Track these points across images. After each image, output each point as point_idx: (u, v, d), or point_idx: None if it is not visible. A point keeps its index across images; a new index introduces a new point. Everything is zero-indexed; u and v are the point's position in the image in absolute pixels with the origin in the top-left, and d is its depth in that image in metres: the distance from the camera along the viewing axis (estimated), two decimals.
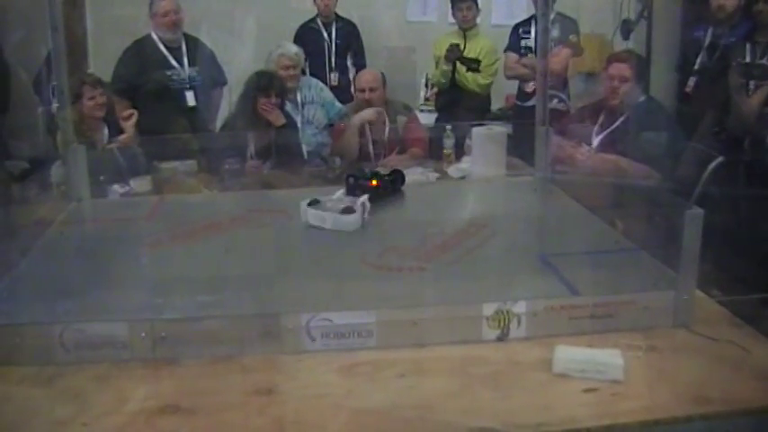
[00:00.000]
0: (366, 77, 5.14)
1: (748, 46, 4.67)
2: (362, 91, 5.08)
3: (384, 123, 5.11)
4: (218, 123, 5.39)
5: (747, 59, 4.62)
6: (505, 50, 6.13)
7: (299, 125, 5.21)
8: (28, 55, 4.66)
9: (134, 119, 4.73)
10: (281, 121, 4.81)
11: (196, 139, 4.87)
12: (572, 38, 5.87)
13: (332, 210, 3.15)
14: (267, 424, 1.94)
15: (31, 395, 2.07)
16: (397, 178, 3.67)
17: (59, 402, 2.02)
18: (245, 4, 5.80)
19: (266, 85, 4.80)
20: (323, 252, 2.96)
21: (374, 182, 3.50)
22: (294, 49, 5.45)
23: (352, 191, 3.45)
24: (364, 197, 3.19)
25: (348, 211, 3.13)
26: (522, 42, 6.03)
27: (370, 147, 5.07)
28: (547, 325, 2.32)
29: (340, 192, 3.34)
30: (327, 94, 5.56)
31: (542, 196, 3.71)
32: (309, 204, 3.17)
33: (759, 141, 4.30)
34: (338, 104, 5.51)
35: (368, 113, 5.07)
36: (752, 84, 4.48)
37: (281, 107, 4.88)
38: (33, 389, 2.10)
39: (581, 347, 2.18)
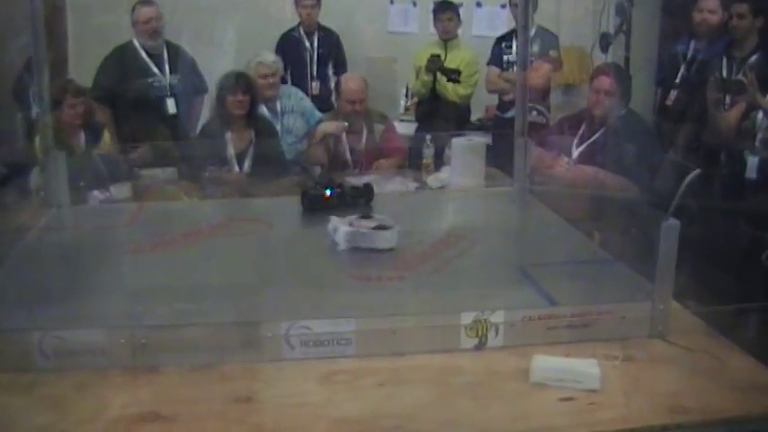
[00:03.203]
0: (352, 87, 5.11)
1: (725, 60, 4.71)
2: (351, 102, 5.07)
3: (361, 134, 5.11)
4: (198, 130, 5.38)
5: (724, 74, 4.66)
6: (488, 64, 6.15)
7: (278, 133, 5.22)
8: (7, 60, 4.64)
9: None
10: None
11: (177, 147, 4.87)
12: (552, 53, 5.90)
13: (365, 227, 3.04)
14: None
15: (10, 402, 2.06)
16: (363, 192, 3.64)
17: (39, 410, 2.02)
18: (226, 13, 5.80)
19: (233, 83, 4.79)
20: (303, 261, 2.96)
21: (327, 193, 3.51)
22: (272, 57, 5.44)
23: (302, 200, 3.48)
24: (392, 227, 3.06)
25: (383, 227, 3.04)
26: (504, 57, 6.05)
27: (348, 155, 5.08)
28: (524, 334, 2.33)
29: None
30: (307, 104, 5.56)
31: (521, 207, 3.74)
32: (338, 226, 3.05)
33: (735, 155, 4.34)
34: (318, 113, 5.51)
35: (330, 126, 5.08)
36: (728, 98, 4.52)
37: (253, 107, 4.87)
38: (12, 396, 2.09)
39: (558, 357, 2.20)
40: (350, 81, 5.18)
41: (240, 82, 4.80)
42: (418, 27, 7.10)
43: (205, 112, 5.45)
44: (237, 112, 4.73)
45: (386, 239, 2.98)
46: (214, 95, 5.06)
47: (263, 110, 5.18)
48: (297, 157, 5.26)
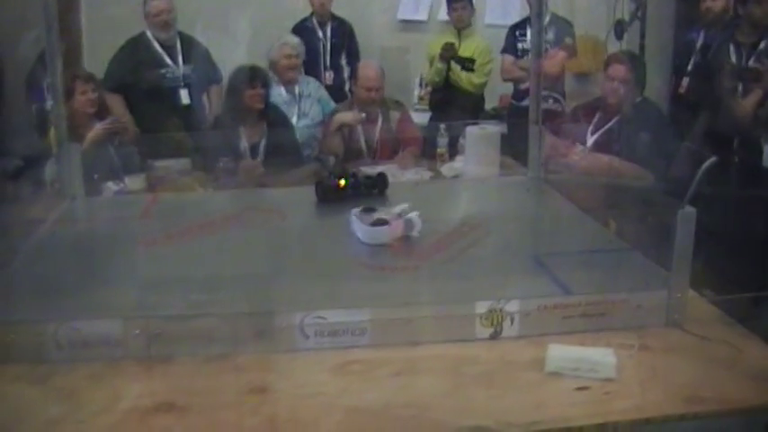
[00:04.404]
0: (369, 75, 5.11)
1: (732, 47, 4.68)
2: (368, 90, 5.07)
3: (376, 122, 5.11)
4: (211, 118, 5.40)
5: (733, 61, 4.64)
6: (502, 52, 6.14)
7: (294, 118, 5.26)
8: (21, 52, 4.66)
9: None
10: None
11: (191, 138, 4.87)
12: (567, 40, 5.88)
13: (365, 221, 2.99)
14: (261, 422, 1.94)
15: (24, 393, 2.07)
16: (377, 182, 3.61)
17: (53, 401, 2.02)
18: (239, 3, 5.80)
19: (251, 76, 4.79)
20: (317, 251, 2.96)
21: (341, 183, 3.49)
22: (296, 39, 5.59)
23: (316, 190, 3.48)
24: (414, 212, 2.99)
25: (379, 223, 2.97)
26: (519, 45, 6.04)
27: (362, 143, 5.08)
28: (540, 324, 2.32)
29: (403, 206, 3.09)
30: (324, 93, 5.61)
31: (535, 196, 3.72)
32: (361, 212, 3.02)
33: (750, 143, 4.31)
34: (333, 104, 5.53)
35: (347, 117, 5.09)
36: (741, 86, 4.50)
37: (267, 99, 4.88)
38: (27, 387, 2.10)
39: (574, 346, 2.19)
40: (367, 68, 5.18)
41: (258, 74, 4.81)
42: (428, 15, 7.10)
43: (219, 102, 5.46)
44: (256, 106, 4.74)
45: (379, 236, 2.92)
46: (226, 88, 5.09)
47: (282, 92, 5.25)
48: (310, 141, 5.28)
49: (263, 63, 5.31)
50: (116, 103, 5.18)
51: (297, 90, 5.41)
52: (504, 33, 6.23)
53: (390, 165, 4.68)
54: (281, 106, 5.21)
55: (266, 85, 4.83)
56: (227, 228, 3.17)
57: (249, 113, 4.75)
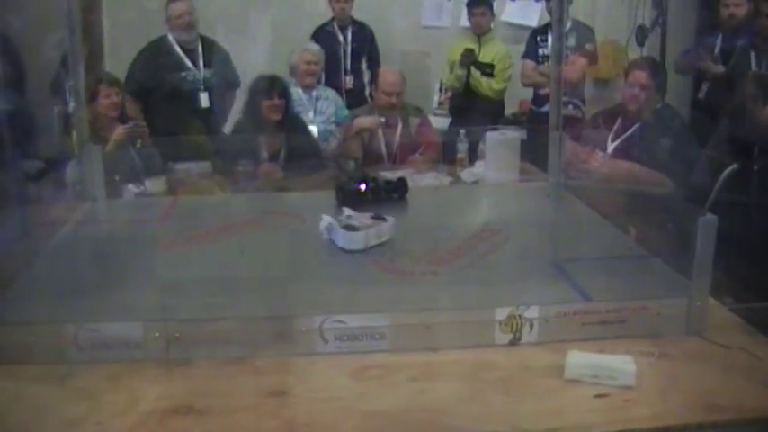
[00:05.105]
0: (390, 80, 5.12)
1: (752, 54, 4.67)
2: (389, 95, 5.09)
3: (396, 127, 5.12)
4: (230, 126, 5.42)
5: (753, 67, 4.62)
6: (523, 57, 6.14)
7: (311, 113, 5.30)
8: (44, 54, 4.69)
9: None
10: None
11: (211, 141, 4.89)
12: (588, 47, 5.88)
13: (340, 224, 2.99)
14: (279, 426, 1.94)
15: (44, 394, 2.08)
16: (398, 186, 3.62)
17: (72, 401, 2.03)
18: (260, 7, 5.83)
19: (269, 87, 4.80)
20: (336, 255, 2.96)
21: (362, 187, 3.50)
22: (317, 47, 5.67)
23: (337, 194, 3.50)
24: (391, 220, 3.02)
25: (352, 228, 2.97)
26: (540, 51, 6.04)
27: (383, 149, 5.08)
28: (559, 330, 2.32)
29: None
30: (339, 99, 5.66)
31: (555, 202, 3.71)
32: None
33: None
34: (346, 111, 5.57)
35: (366, 121, 5.10)
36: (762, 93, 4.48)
37: (286, 109, 4.89)
38: (47, 388, 2.11)
39: (593, 353, 2.18)
40: (388, 74, 5.20)
41: (277, 85, 4.82)
42: (451, 21, 7.10)
43: (236, 107, 5.48)
44: (273, 117, 4.75)
45: (351, 240, 2.91)
46: (245, 94, 5.11)
47: (300, 92, 5.36)
48: (326, 134, 5.33)
49: (283, 67, 5.34)
50: (134, 110, 5.20)
51: (314, 94, 5.46)
52: (521, 33, 6.24)
53: (408, 169, 4.68)
54: (297, 101, 5.25)
55: (285, 95, 4.84)
56: (246, 231, 3.18)
57: (268, 124, 4.77)
